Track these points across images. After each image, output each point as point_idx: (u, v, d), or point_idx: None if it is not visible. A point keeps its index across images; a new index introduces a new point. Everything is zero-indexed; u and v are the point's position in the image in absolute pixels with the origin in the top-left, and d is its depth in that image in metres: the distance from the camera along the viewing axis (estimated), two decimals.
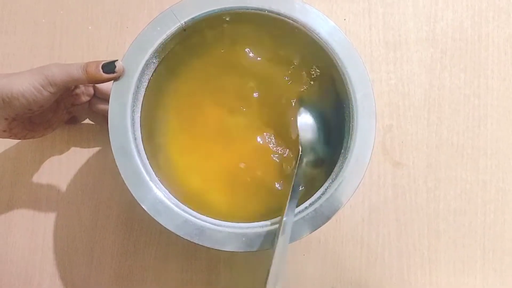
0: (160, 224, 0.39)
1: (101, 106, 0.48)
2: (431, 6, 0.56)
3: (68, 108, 0.48)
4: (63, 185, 0.52)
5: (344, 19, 0.55)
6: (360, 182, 0.40)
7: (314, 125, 0.44)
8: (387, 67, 0.55)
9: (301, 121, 0.44)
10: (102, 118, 0.52)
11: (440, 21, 0.55)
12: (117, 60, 0.40)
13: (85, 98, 0.48)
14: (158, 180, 0.40)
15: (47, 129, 0.47)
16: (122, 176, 0.39)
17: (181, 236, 0.39)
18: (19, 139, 0.45)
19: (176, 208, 0.39)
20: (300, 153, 0.43)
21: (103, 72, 0.40)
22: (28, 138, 0.46)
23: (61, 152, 0.52)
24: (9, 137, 0.44)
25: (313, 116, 0.44)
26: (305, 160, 0.43)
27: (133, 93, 0.40)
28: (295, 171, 0.42)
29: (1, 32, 0.54)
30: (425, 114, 0.54)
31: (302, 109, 0.44)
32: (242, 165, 0.44)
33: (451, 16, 0.56)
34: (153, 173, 0.40)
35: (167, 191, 0.40)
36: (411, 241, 0.52)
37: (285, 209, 0.39)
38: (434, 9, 0.56)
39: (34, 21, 0.54)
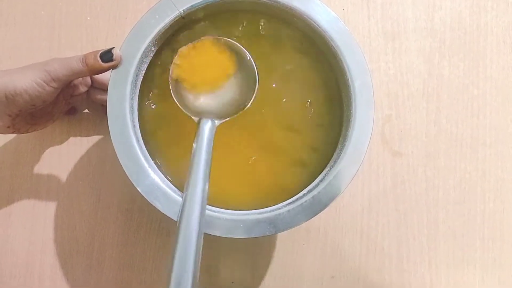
0: (159, 212, 0.39)
1: (99, 96, 0.48)
2: None
3: (67, 99, 0.49)
4: (63, 176, 0.52)
5: (343, 9, 0.55)
6: (358, 170, 0.40)
7: None
8: (386, 57, 0.55)
9: None
10: (101, 108, 0.52)
11: (439, 10, 0.55)
12: (113, 47, 0.40)
13: (83, 89, 0.48)
14: (156, 167, 0.40)
15: (48, 121, 0.47)
16: (121, 162, 0.39)
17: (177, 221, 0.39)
18: (22, 133, 0.45)
19: (173, 194, 0.39)
20: None
21: (102, 61, 0.40)
22: (30, 132, 0.46)
23: (61, 142, 0.53)
24: (13, 132, 0.44)
25: None
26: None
27: (132, 81, 0.40)
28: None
29: (1, 24, 0.54)
30: (424, 104, 0.54)
31: None
32: (239, 154, 0.44)
33: (449, 6, 0.56)
34: (151, 159, 0.41)
35: (164, 178, 0.40)
36: (410, 231, 0.53)
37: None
38: None
39: (33, 13, 0.54)
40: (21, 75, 0.40)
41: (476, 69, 0.55)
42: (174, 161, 0.43)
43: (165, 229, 0.52)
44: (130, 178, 0.39)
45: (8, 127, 0.43)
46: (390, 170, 0.53)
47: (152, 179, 0.39)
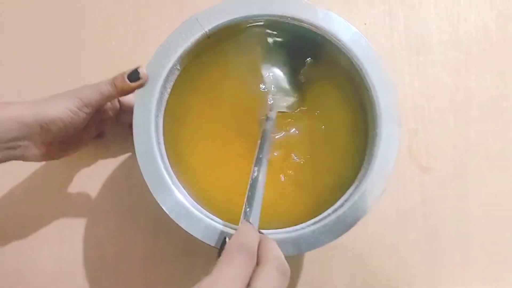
0: (185, 231, 0.39)
1: (127, 118, 0.49)
2: (453, 8, 0.55)
3: (97, 124, 0.50)
4: (90, 198, 0.53)
5: (365, 24, 0.55)
6: (383, 191, 0.39)
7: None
8: (410, 70, 0.54)
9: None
10: (128, 130, 0.53)
11: (464, 22, 0.55)
12: (139, 66, 0.41)
13: (112, 113, 0.49)
14: (180, 185, 0.40)
15: (79, 146, 0.48)
16: (145, 179, 0.39)
17: (201, 239, 0.39)
18: (55, 159, 0.46)
19: (197, 213, 0.39)
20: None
21: (130, 81, 0.41)
22: (62, 157, 0.47)
23: (88, 165, 0.53)
24: (47, 159, 0.45)
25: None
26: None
27: (157, 99, 0.41)
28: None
29: (27, 51, 0.55)
30: (451, 117, 0.53)
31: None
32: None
33: (474, 17, 0.55)
34: (176, 177, 0.41)
35: (188, 196, 0.40)
36: (441, 247, 0.51)
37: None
38: (456, 10, 0.55)
39: (58, 40, 0.55)
40: (54, 103, 0.41)
41: (504, 80, 0.54)
42: (198, 178, 0.44)
43: (191, 248, 0.52)
44: (154, 196, 0.39)
45: (43, 155, 0.44)
46: (419, 185, 0.52)
47: (176, 197, 0.39)
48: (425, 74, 0.54)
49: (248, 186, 0.37)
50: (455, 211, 0.52)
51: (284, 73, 0.46)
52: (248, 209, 0.35)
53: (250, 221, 0.34)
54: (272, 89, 0.45)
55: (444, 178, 0.52)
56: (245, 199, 0.36)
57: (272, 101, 0.45)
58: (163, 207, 0.39)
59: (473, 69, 0.54)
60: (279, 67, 0.46)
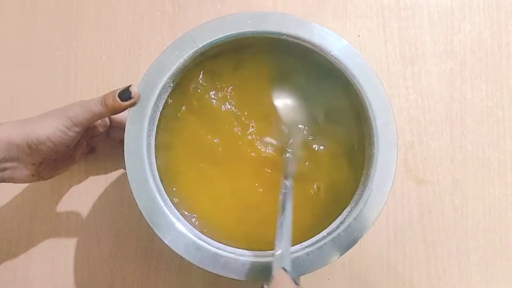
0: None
1: (118, 134, 0.48)
2: (447, 18, 0.54)
3: (88, 140, 0.49)
4: (82, 215, 0.52)
5: (358, 36, 0.54)
6: (380, 212, 0.39)
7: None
8: (405, 82, 0.53)
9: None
10: (119, 145, 0.52)
11: (458, 32, 0.54)
12: (130, 85, 0.40)
13: (102, 129, 0.48)
14: (172, 205, 0.40)
15: (70, 164, 0.48)
16: (135, 198, 0.38)
17: (194, 263, 0.38)
18: (46, 180, 0.45)
19: (189, 234, 0.38)
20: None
21: (121, 100, 0.40)
22: (54, 177, 0.46)
23: (79, 182, 0.52)
24: (37, 180, 0.44)
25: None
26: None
27: (150, 117, 0.40)
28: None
29: (17, 65, 0.54)
30: (447, 129, 0.53)
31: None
32: (257, 190, 0.43)
33: (468, 27, 0.54)
34: (167, 197, 0.40)
35: (181, 217, 0.40)
36: (440, 262, 0.50)
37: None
38: (450, 20, 0.54)
39: (48, 54, 0.54)
40: (42, 123, 0.40)
41: (500, 90, 0.53)
42: (189, 196, 0.43)
43: (185, 267, 0.51)
44: (145, 217, 0.38)
45: (33, 175, 0.42)
46: (416, 199, 0.51)
47: (169, 218, 0.38)
48: (420, 86, 0.53)
49: (277, 229, 0.36)
50: (453, 225, 0.51)
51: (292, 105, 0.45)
52: (280, 255, 0.34)
53: (287, 269, 0.33)
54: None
55: (442, 192, 0.52)
56: (275, 244, 0.35)
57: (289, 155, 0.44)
58: (153, 227, 0.38)
59: (469, 79, 0.53)
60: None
